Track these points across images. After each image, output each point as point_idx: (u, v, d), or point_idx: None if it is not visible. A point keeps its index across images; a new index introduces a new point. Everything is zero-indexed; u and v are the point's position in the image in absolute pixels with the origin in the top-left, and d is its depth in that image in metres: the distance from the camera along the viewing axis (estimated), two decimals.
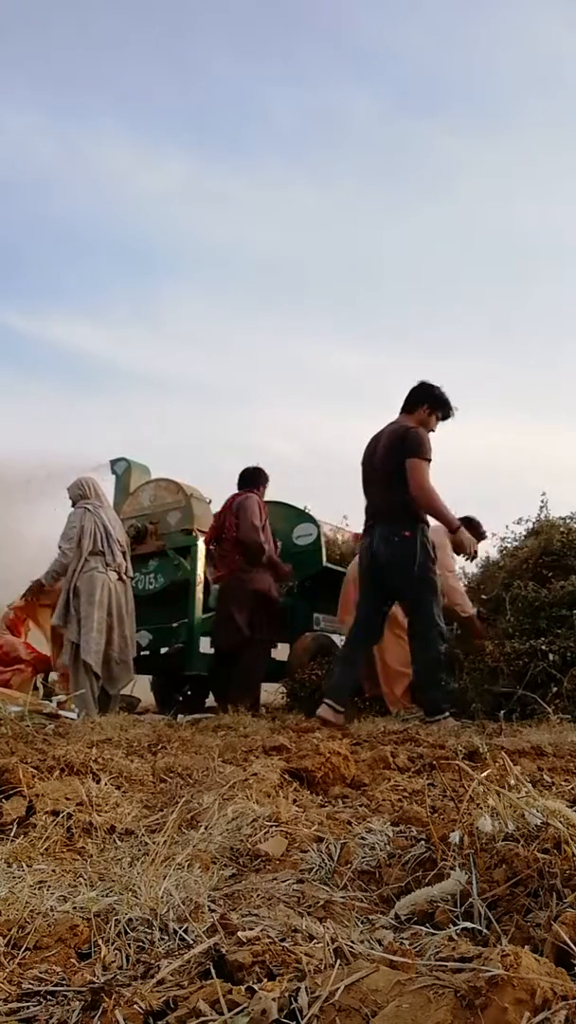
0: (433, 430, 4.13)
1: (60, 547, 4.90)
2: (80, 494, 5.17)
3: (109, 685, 4.92)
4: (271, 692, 6.16)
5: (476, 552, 4.23)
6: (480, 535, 5.46)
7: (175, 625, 6.28)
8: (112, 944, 0.89)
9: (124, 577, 5.12)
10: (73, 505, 5.16)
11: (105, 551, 4.96)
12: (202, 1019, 0.64)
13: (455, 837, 1.04)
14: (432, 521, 5.16)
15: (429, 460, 3.92)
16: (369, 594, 4.16)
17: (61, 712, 4.04)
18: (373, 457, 4.10)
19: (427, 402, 4.12)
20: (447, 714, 3.76)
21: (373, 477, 4.07)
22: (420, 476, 3.85)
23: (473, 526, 5.41)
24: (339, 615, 5.62)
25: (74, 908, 1.00)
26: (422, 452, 3.90)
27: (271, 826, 1.42)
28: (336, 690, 3.95)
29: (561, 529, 5.21)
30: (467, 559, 4.22)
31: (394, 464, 3.92)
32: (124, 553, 5.16)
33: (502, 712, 3.83)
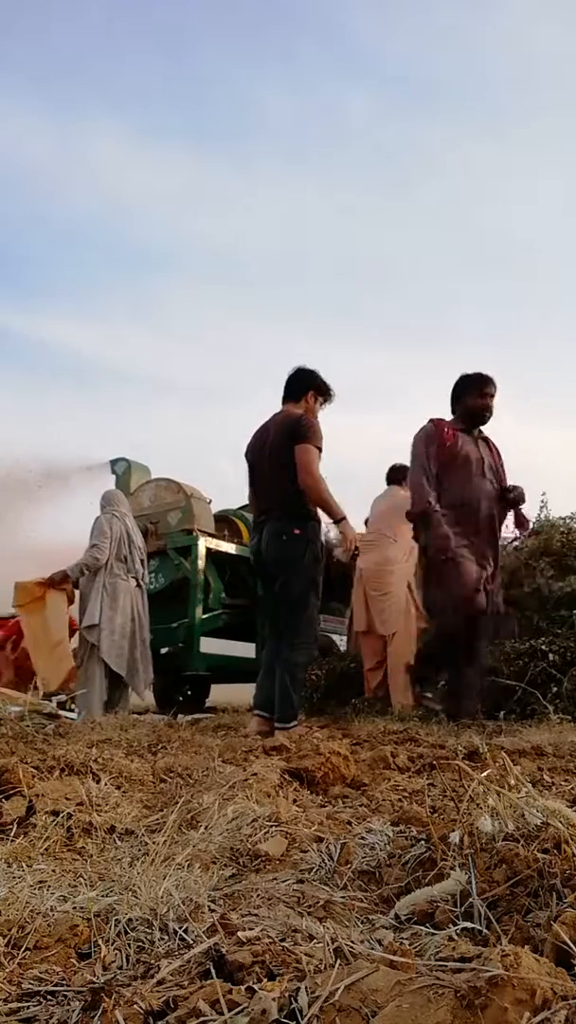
0: (316, 417, 3.95)
1: (96, 544, 4.99)
2: (107, 501, 5.38)
3: (134, 685, 5.10)
4: None
5: (356, 549, 3.78)
6: None
7: (175, 625, 6.29)
8: (112, 944, 0.89)
9: (141, 583, 5.29)
10: (101, 511, 5.32)
11: (127, 557, 5.15)
12: (202, 1019, 0.64)
13: (455, 837, 1.04)
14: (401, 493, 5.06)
15: (320, 448, 3.73)
16: (269, 596, 3.95)
17: (61, 712, 4.04)
18: (262, 449, 3.87)
19: (312, 389, 3.94)
20: (296, 723, 3.63)
21: (263, 470, 3.85)
22: (308, 461, 3.65)
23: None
24: (356, 621, 5.53)
25: (74, 908, 1.00)
26: (313, 439, 3.71)
27: (271, 826, 1.42)
28: (264, 703, 3.77)
29: (561, 529, 5.22)
30: (344, 555, 3.75)
31: (284, 456, 3.71)
32: (143, 561, 5.34)
33: (502, 712, 3.83)
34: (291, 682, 3.66)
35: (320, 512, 3.78)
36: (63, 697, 4.67)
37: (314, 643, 3.79)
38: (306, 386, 3.92)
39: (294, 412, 3.86)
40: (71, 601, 5.21)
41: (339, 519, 3.73)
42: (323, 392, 3.95)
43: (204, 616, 6.40)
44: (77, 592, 5.17)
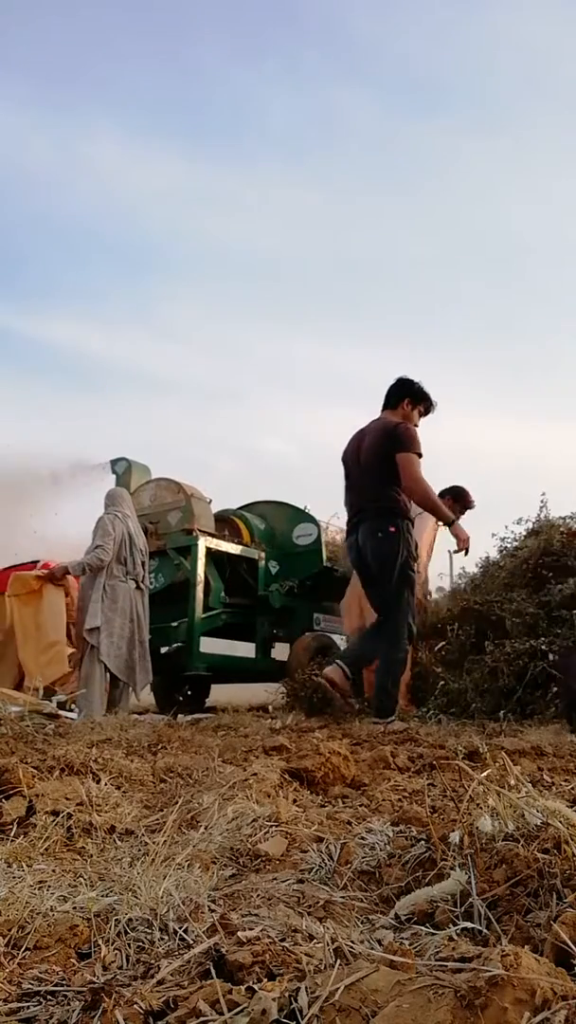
0: (416, 425, 4.12)
1: (101, 545, 4.98)
2: (111, 502, 5.38)
3: (135, 686, 5.14)
4: (271, 692, 6.16)
5: (468, 547, 4.03)
6: (468, 504, 5.39)
7: (175, 625, 6.28)
8: (112, 944, 0.89)
9: (142, 586, 5.29)
10: (105, 510, 5.33)
11: (127, 559, 5.14)
12: (202, 1019, 0.64)
13: (455, 837, 1.04)
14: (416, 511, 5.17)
15: (420, 455, 3.89)
16: (372, 590, 4.15)
17: (61, 712, 4.04)
18: (357, 454, 4.05)
19: (408, 397, 4.11)
20: (394, 717, 3.79)
21: (357, 474, 4.04)
22: (413, 469, 3.83)
23: (463, 496, 5.39)
24: (346, 624, 5.58)
25: (74, 908, 1.00)
26: (413, 446, 3.87)
27: (271, 826, 1.42)
28: (352, 658, 3.93)
29: (561, 529, 5.21)
30: (461, 552, 3.97)
31: (381, 460, 3.89)
32: (144, 563, 5.34)
33: (502, 712, 3.83)
34: (389, 678, 3.85)
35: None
36: (63, 697, 4.67)
37: (409, 639, 3.92)
38: (401, 395, 4.12)
39: (391, 419, 4.06)
40: (68, 597, 5.21)
41: (450, 522, 3.97)
42: (418, 399, 4.13)
43: (204, 616, 6.40)
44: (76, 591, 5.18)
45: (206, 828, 1.41)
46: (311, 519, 7.39)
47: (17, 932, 0.92)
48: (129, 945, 0.89)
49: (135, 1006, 0.68)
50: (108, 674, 4.96)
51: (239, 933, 0.80)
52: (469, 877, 0.91)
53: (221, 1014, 0.64)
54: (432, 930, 0.85)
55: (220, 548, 6.73)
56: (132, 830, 1.46)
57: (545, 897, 0.86)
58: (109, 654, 4.88)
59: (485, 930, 0.84)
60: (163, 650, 6.29)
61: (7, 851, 1.25)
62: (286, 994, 0.64)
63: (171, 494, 6.79)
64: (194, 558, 6.37)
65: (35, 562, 5.43)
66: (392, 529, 3.85)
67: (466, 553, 4.02)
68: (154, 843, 1.22)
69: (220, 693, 8.14)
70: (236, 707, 6.15)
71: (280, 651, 7.32)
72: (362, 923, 0.93)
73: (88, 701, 4.70)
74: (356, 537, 4.01)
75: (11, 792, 1.59)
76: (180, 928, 0.90)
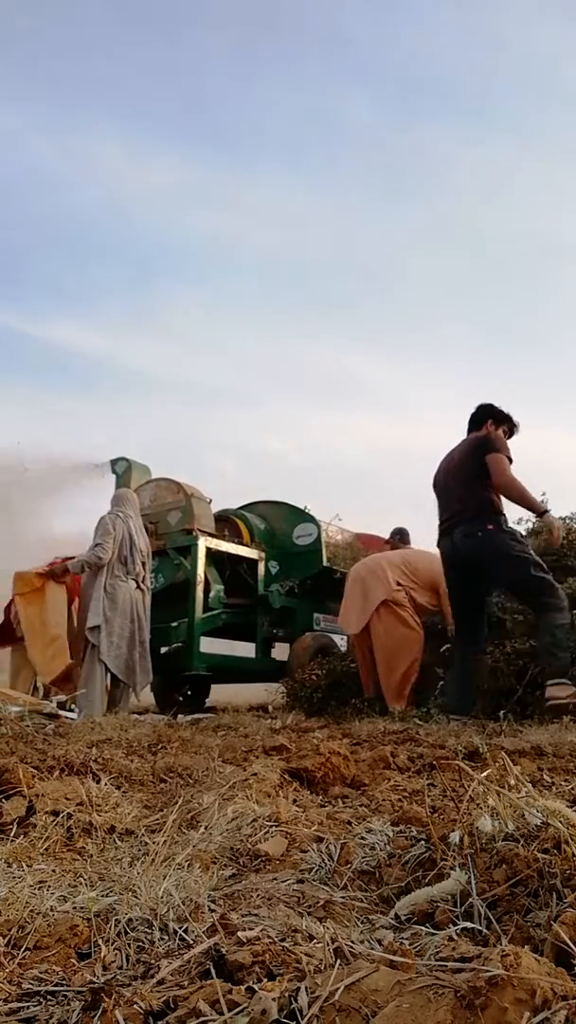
0: None
1: (100, 543, 5.00)
2: (115, 502, 5.43)
3: (135, 687, 5.16)
4: (271, 692, 6.16)
5: (560, 536, 4.28)
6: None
7: (175, 625, 6.28)
8: (112, 944, 0.89)
9: (142, 586, 5.27)
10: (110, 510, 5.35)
11: (127, 559, 5.16)
12: (202, 1019, 0.64)
13: (455, 837, 1.04)
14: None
15: (511, 459, 4.07)
16: (461, 597, 4.26)
17: (61, 712, 4.05)
18: (448, 471, 4.27)
19: (490, 418, 4.33)
20: (564, 680, 3.76)
21: (449, 486, 4.24)
22: (504, 468, 4.01)
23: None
24: (341, 616, 5.61)
25: (74, 908, 1.00)
26: (503, 449, 4.08)
27: (271, 826, 1.42)
28: (458, 706, 3.97)
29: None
30: (551, 542, 4.24)
31: (472, 469, 4.08)
32: (144, 564, 5.35)
33: (502, 712, 3.83)
34: (553, 643, 3.85)
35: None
36: (63, 697, 4.68)
37: (563, 602, 3.91)
38: (484, 417, 4.37)
39: (479, 434, 4.29)
40: (71, 596, 5.23)
41: (541, 512, 4.12)
42: (500, 419, 4.35)
43: (204, 616, 6.40)
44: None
45: (206, 828, 1.41)
46: (311, 519, 7.39)
47: (17, 932, 0.92)
48: (129, 945, 0.89)
49: (135, 1006, 0.68)
50: (108, 674, 4.96)
51: (239, 933, 0.80)
52: (469, 877, 0.91)
53: (221, 1014, 0.64)
54: (432, 930, 0.85)
55: (220, 548, 6.73)
56: (132, 830, 1.46)
57: (545, 897, 0.86)
58: (109, 654, 4.90)
59: (485, 930, 0.84)
60: (163, 650, 6.29)
61: (7, 851, 1.25)
62: (286, 994, 0.64)
63: (171, 494, 6.79)
64: (194, 558, 6.37)
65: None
66: (490, 527, 3.98)
67: (557, 544, 4.29)
68: (154, 843, 1.22)
69: (220, 693, 8.14)
70: (236, 707, 6.16)
71: (280, 651, 7.32)
72: (362, 923, 0.93)
73: (88, 701, 4.70)
74: (451, 539, 4.15)
75: (11, 792, 1.59)
76: (180, 928, 0.90)
